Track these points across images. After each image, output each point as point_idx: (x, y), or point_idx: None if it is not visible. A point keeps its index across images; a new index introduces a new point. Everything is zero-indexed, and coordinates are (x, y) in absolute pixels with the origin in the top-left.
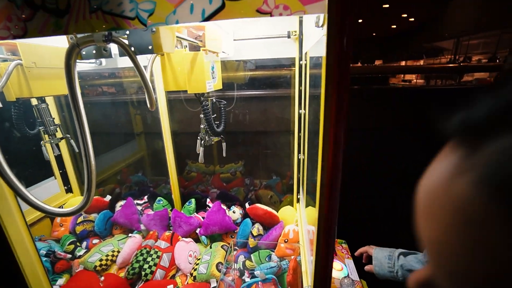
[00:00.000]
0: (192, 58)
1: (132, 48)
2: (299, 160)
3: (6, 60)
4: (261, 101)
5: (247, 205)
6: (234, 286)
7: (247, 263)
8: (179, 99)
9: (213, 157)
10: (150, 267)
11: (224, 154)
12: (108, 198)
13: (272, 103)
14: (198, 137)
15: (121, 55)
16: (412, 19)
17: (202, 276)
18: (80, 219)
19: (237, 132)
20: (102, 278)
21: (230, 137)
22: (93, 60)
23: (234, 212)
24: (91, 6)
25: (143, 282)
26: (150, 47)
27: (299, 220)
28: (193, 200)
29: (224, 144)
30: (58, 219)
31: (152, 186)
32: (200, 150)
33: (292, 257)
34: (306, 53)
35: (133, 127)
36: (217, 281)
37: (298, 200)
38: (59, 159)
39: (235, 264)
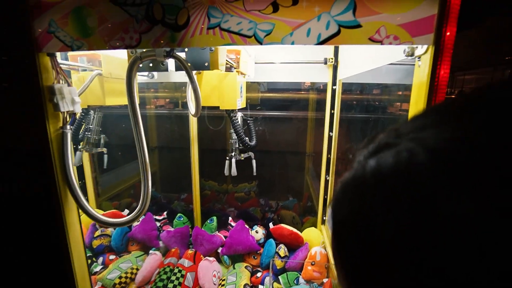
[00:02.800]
0: (226, 78)
1: (189, 64)
2: (326, 181)
3: (86, 69)
4: (275, 122)
5: (271, 225)
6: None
7: (275, 285)
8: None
9: (226, 176)
10: (174, 286)
11: (254, 173)
12: (125, 212)
13: (287, 124)
14: (227, 157)
15: (177, 69)
16: None
17: None
18: (98, 233)
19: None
20: None
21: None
22: (146, 73)
23: (257, 232)
24: (209, 23)
25: None
26: (206, 64)
27: (327, 242)
28: (214, 218)
29: (254, 161)
30: None
31: (165, 202)
32: (230, 164)
33: (325, 280)
34: (339, 80)
35: (148, 142)
36: None
37: (323, 222)
38: (80, 169)
39: (262, 286)
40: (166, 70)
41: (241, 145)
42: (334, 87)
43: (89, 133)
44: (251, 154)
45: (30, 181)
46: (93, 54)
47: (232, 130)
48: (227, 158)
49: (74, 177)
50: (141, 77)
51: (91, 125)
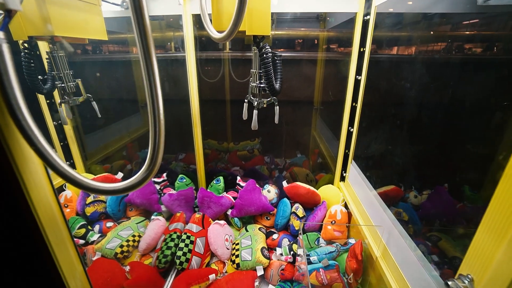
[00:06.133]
0: None
1: None
2: (349, 133)
3: None
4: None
5: (284, 183)
6: (307, 274)
7: (294, 247)
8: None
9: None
10: (184, 254)
11: (276, 121)
12: (119, 175)
13: (292, 68)
14: (245, 100)
15: None
16: None
17: (247, 263)
18: (90, 199)
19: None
20: (127, 267)
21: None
22: (119, 2)
23: (269, 191)
24: None
25: (177, 271)
26: None
27: (349, 200)
28: (221, 178)
29: (277, 108)
30: (62, 199)
31: (163, 163)
32: (254, 113)
33: (353, 240)
34: (375, 7)
35: (137, 97)
36: (264, 269)
37: (342, 178)
38: (60, 128)
39: (280, 249)
40: None
41: (266, 88)
42: (366, 18)
43: (60, 82)
44: (275, 99)
45: None
46: None
47: (254, 69)
48: (245, 101)
49: (27, 112)
50: (112, 7)
51: (56, 71)
